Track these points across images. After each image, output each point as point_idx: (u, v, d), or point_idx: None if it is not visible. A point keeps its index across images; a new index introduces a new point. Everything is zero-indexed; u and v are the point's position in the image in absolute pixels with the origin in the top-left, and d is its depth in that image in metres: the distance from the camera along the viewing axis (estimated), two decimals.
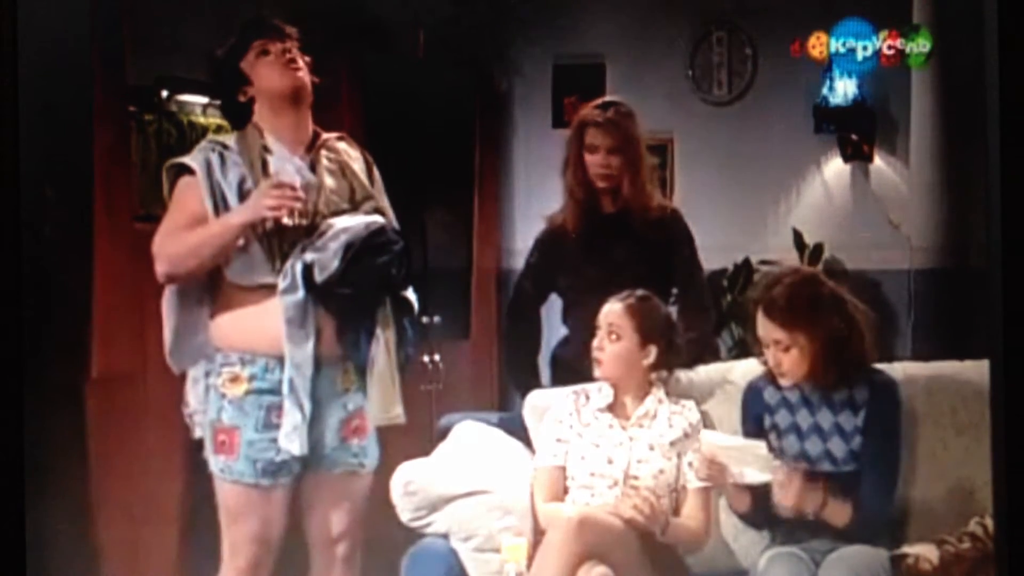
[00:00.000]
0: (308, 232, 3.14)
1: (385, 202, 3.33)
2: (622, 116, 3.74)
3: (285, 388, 3.11)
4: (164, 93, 4.26)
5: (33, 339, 2.72)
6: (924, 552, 3.11)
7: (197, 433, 3.24)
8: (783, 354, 3.17)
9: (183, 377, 3.27)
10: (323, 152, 3.25)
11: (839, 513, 3.11)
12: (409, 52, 5.04)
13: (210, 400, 3.18)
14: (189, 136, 4.31)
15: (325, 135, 3.28)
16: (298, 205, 3.09)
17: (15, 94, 2.59)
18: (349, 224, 3.16)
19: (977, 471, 3.19)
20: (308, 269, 3.11)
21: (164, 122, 4.26)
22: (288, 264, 3.12)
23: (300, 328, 3.10)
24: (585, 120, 3.76)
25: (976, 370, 3.24)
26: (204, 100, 4.37)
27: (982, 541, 3.08)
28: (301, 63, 3.19)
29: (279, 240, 3.12)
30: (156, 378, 3.95)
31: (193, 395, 3.23)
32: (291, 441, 3.11)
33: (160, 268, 3.14)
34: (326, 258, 3.11)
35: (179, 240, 3.12)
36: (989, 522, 3.06)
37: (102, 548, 3.70)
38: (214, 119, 4.38)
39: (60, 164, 3.41)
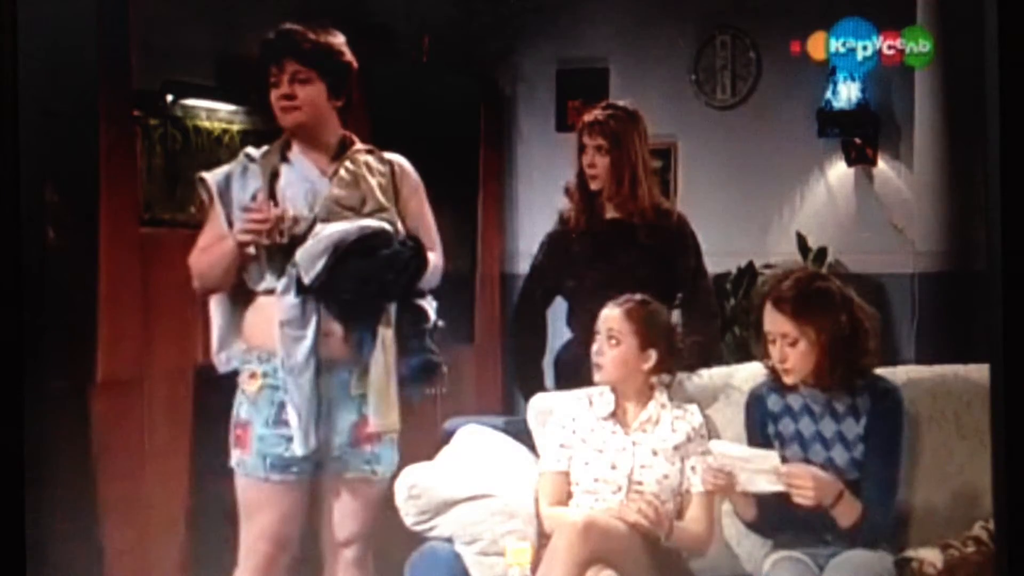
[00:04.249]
0: (306, 237, 3.16)
1: (419, 209, 3.35)
2: (613, 118, 3.75)
3: (282, 390, 3.14)
4: (170, 97, 4.28)
5: (38, 343, 2.73)
6: (928, 556, 3.11)
7: None
8: (790, 348, 3.16)
9: (187, 381, 3.29)
10: (346, 163, 3.27)
11: (849, 511, 3.09)
12: (414, 57, 5.06)
13: (236, 397, 3.23)
14: (195, 141, 4.32)
15: (357, 145, 3.30)
16: (264, 227, 3.13)
17: (15, 97, 2.60)
18: (342, 227, 3.17)
19: (981, 475, 3.18)
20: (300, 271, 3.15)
21: (169, 127, 4.27)
22: (287, 268, 3.15)
23: (297, 330, 3.13)
24: (584, 121, 3.79)
25: (979, 374, 3.23)
26: (210, 104, 4.39)
27: (986, 545, 3.07)
28: (297, 99, 3.19)
29: (280, 246, 3.15)
30: (161, 382, 3.97)
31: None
32: (294, 441, 3.14)
33: (193, 283, 3.26)
34: (308, 259, 3.14)
35: (202, 258, 3.23)
36: (993, 526, 3.05)
37: (106, 551, 3.72)
38: (220, 124, 4.40)
39: (65, 168, 3.43)
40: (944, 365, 3.49)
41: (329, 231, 3.16)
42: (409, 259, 3.21)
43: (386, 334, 3.21)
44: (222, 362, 3.26)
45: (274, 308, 3.16)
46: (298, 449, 3.13)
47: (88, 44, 3.38)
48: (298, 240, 3.16)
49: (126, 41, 3.88)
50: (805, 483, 3.05)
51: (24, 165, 2.66)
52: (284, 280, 3.14)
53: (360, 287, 3.16)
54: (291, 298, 3.13)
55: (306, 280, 3.13)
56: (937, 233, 4.80)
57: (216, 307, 3.26)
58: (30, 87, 2.68)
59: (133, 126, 4.08)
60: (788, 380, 3.20)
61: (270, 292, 3.17)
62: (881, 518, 3.13)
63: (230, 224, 3.19)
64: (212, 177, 3.23)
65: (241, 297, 3.24)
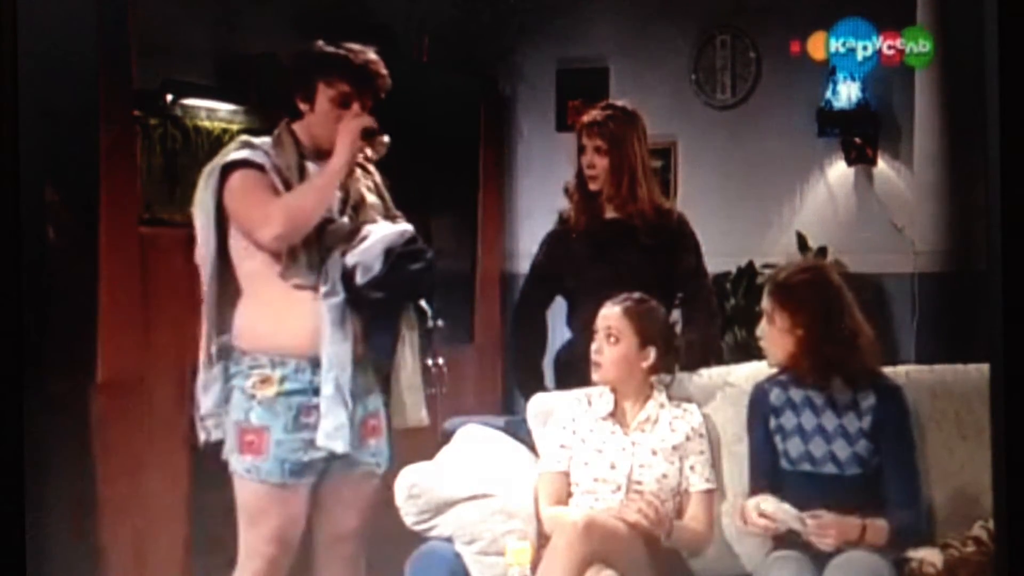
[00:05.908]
0: (348, 237, 3.18)
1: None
2: (612, 119, 3.75)
3: (330, 388, 3.13)
4: (169, 97, 4.28)
5: (38, 343, 2.73)
6: (928, 556, 3.11)
7: (206, 436, 3.24)
8: (768, 327, 3.27)
9: (187, 381, 3.28)
10: (362, 172, 3.29)
11: (879, 534, 3.12)
12: (414, 57, 5.05)
13: (235, 402, 3.19)
14: (194, 140, 4.32)
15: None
16: (375, 125, 3.18)
17: (15, 96, 2.60)
18: (386, 231, 3.21)
19: (981, 475, 3.18)
20: (348, 272, 3.15)
21: (170, 126, 4.27)
22: (327, 267, 3.16)
23: (340, 329, 3.14)
24: (583, 122, 3.79)
25: (979, 374, 3.23)
26: (210, 104, 4.38)
27: (986, 545, 3.08)
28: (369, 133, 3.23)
29: (320, 244, 3.16)
30: (161, 382, 3.97)
31: (207, 398, 3.23)
32: (334, 440, 3.14)
33: (271, 231, 3.11)
34: (368, 261, 3.16)
35: (278, 202, 3.13)
36: (993, 526, 3.06)
37: (105, 552, 3.72)
38: (220, 123, 4.40)
39: (65, 168, 3.43)
40: (944, 365, 3.49)
41: (377, 235, 3.19)
42: (432, 260, 3.25)
43: (412, 335, 3.26)
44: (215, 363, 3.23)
45: (297, 309, 3.15)
46: (339, 447, 3.14)
47: (88, 44, 3.38)
48: (334, 242, 3.17)
49: (126, 41, 3.88)
50: (829, 534, 3.09)
51: (24, 165, 2.66)
52: (328, 282, 3.15)
53: (410, 290, 3.23)
54: (337, 299, 3.14)
55: (361, 280, 3.14)
56: (937, 233, 4.80)
57: (212, 303, 3.21)
58: (30, 87, 2.68)
59: (133, 126, 4.08)
60: (767, 360, 3.30)
61: (293, 290, 3.15)
62: (914, 518, 3.16)
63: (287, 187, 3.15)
64: (252, 156, 3.18)
65: (228, 297, 3.21)
